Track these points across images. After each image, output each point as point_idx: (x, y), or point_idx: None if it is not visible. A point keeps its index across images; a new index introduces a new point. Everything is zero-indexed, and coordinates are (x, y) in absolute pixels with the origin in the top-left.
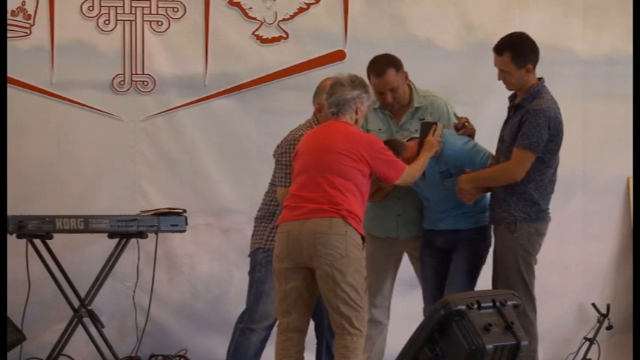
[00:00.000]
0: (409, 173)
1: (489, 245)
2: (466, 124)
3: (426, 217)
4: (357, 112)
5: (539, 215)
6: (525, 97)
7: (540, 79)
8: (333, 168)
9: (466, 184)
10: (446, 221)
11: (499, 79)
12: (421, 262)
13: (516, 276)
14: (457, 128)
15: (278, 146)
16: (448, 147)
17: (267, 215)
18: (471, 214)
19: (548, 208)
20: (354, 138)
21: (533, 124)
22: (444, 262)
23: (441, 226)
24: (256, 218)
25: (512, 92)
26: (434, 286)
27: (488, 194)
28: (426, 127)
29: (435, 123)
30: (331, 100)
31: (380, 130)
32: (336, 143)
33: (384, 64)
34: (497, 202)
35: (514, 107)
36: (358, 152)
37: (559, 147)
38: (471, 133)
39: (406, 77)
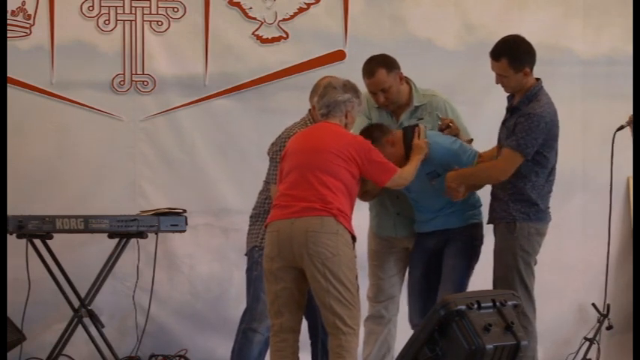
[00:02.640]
0: (401, 176)
1: (481, 243)
2: (450, 124)
3: (416, 219)
4: (346, 116)
5: (538, 215)
6: (522, 99)
7: (538, 79)
8: (324, 167)
9: (453, 181)
10: (436, 221)
11: (497, 83)
12: (410, 267)
13: (515, 276)
14: (441, 129)
15: (272, 144)
16: (434, 148)
17: (262, 213)
18: (460, 212)
19: (548, 208)
20: (346, 139)
21: (526, 127)
22: (435, 267)
23: (431, 226)
24: (251, 217)
25: (509, 95)
26: (419, 295)
27: (479, 191)
28: (410, 131)
29: (417, 125)
30: (322, 101)
31: None
32: (327, 143)
33: (375, 65)
34: (498, 202)
35: (511, 109)
36: (349, 153)
37: (552, 149)
38: (455, 134)
39: (401, 78)
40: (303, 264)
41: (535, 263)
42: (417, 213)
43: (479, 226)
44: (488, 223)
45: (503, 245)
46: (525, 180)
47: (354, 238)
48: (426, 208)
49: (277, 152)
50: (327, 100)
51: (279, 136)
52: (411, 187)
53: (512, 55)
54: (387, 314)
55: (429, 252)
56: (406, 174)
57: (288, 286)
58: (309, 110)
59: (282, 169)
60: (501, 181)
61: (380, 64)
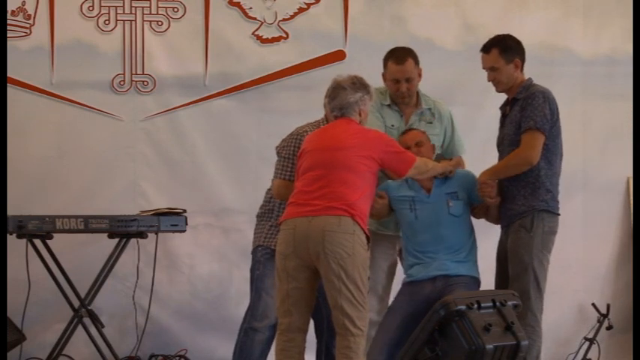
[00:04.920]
0: (421, 163)
1: None
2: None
3: (411, 264)
4: (360, 114)
5: (555, 205)
6: (519, 90)
7: (529, 78)
8: (343, 164)
9: (484, 176)
10: (437, 264)
11: (489, 80)
12: (387, 314)
13: (530, 274)
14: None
15: (283, 140)
16: (459, 171)
17: (267, 212)
18: (464, 262)
19: (559, 201)
20: (363, 134)
21: (535, 106)
22: (414, 321)
23: (429, 271)
24: (257, 216)
25: (502, 104)
26: (387, 346)
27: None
28: (440, 158)
29: (451, 159)
30: (333, 104)
31: (392, 126)
32: (344, 140)
33: (405, 53)
34: (511, 200)
35: (509, 104)
36: (367, 148)
37: (559, 133)
38: None
39: (420, 75)
40: (318, 263)
41: (547, 263)
42: (414, 256)
43: (479, 284)
44: (502, 224)
45: (519, 244)
46: (539, 167)
47: (367, 239)
48: (430, 241)
49: (284, 147)
50: (339, 102)
51: (291, 134)
52: (423, 207)
53: (502, 45)
54: (379, 319)
55: (418, 302)
56: (427, 161)
57: (300, 286)
58: (325, 114)
59: (300, 166)
60: (533, 165)
61: (410, 55)
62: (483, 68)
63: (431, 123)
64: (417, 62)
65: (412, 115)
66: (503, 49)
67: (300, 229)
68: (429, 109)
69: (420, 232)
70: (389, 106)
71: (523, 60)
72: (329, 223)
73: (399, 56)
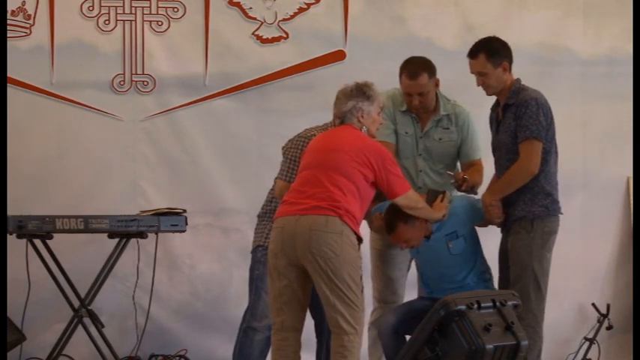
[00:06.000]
0: (414, 196)
1: None
2: (465, 177)
3: (426, 285)
4: (359, 120)
5: (555, 207)
6: (509, 95)
7: (517, 79)
8: (337, 166)
9: (490, 198)
10: (449, 293)
11: (478, 85)
12: (410, 301)
13: (530, 275)
14: (459, 185)
15: (289, 140)
16: (457, 204)
17: (268, 212)
18: (471, 287)
19: (559, 201)
20: (363, 142)
21: (529, 114)
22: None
23: (444, 293)
24: (258, 216)
25: (492, 105)
26: (396, 310)
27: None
28: (434, 195)
29: (444, 192)
30: (334, 112)
31: (406, 133)
32: (343, 144)
33: (418, 67)
34: (512, 205)
35: (502, 111)
36: (365, 157)
37: (554, 134)
38: (473, 185)
39: (437, 84)
40: (306, 262)
41: (548, 263)
42: (426, 282)
43: None
44: (503, 229)
45: (519, 245)
46: (538, 170)
47: (360, 240)
48: (438, 281)
49: (290, 149)
50: (337, 111)
51: (299, 135)
52: (424, 252)
53: (489, 48)
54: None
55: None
56: (420, 199)
57: (291, 285)
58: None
59: (299, 166)
60: (535, 174)
61: (424, 69)
62: (471, 73)
63: (448, 129)
64: (432, 75)
65: (429, 122)
66: (491, 54)
67: (287, 227)
68: (447, 115)
69: (423, 268)
70: (405, 112)
71: (511, 61)
72: (316, 222)
73: (412, 71)
